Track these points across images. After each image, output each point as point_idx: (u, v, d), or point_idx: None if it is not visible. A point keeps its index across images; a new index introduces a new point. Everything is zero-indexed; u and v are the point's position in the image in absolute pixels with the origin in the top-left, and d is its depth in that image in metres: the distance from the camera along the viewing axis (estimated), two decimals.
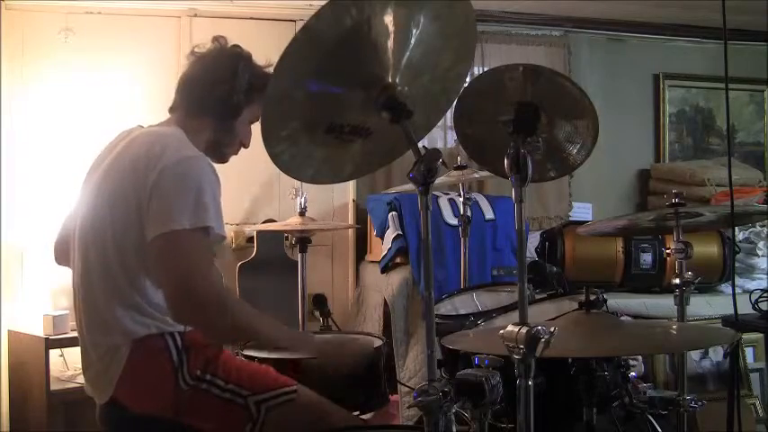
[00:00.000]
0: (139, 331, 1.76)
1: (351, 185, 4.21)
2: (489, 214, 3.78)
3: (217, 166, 1.83)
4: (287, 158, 1.54)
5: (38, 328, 3.35)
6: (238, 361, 1.91)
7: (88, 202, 1.86)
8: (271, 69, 1.93)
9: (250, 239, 4.04)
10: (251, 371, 1.86)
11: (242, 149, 2.04)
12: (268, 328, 1.83)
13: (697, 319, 3.47)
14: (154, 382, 1.76)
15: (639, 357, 3.32)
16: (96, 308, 1.80)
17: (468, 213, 3.19)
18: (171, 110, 1.98)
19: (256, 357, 2.07)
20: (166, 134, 1.85)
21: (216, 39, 1.98)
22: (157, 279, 1.73)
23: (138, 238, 1.74)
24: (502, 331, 1.31)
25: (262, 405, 1.80)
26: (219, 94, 1.91)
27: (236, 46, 1.98)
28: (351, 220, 4.20)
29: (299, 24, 3.41)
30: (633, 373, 1.83)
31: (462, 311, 2.64)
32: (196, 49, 1.98)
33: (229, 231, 4.02)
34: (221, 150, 1.98)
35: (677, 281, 2.18)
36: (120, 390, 1.76)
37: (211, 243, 1.75)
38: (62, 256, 2.03)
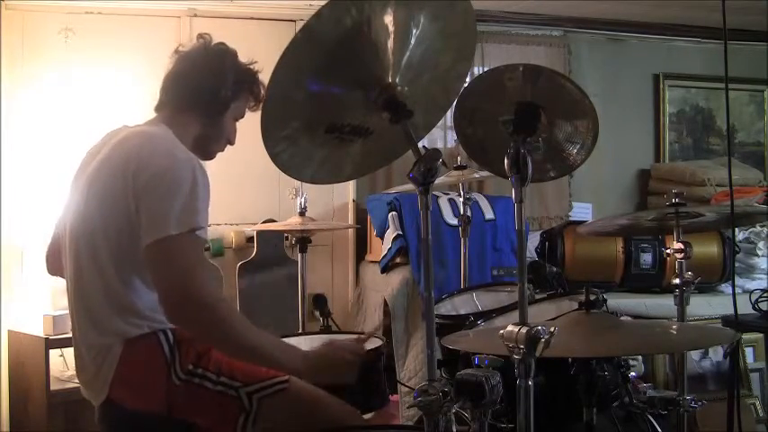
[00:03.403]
0: (132, 331, 1.76)
1: (351, 185, 4.20)
2: (489, 214, 3.78)
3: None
4: (287, 158, 1.54)
5: (38, 328, 3.35)
6: None
7: (78, 204, 1.85)
8: (255, 67, 1.95)
9: (250, 239, 4.04)
10: (242, 363, 1.85)
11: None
12: (264, 338, 1.76)
13: (697, 319, 3.48)
14: (147, 380, 1.76)
15: (639, 357, 3.33)
16: (89, 309, 1.80)
17: (468, 213, 3.19)
18: (157, 108, 1.97)
19: None
20: (155, 135, 1.84)
21: (201, 36, 1.97)
22: (153, 283, 1.72)
23: (128, 241, 1.73)
24: (502, 331, 1.31)
25: (254, 396, 1.79)
26: (208, 89, 1.91)
27: (221, 43, 1.98)
28: (351, 220, 4.19)
29: (299, 24, 3.41)
30: (633, 373, 1.84)
31: (462, 311, 2.64)
32: (180, 48, 1.97)
33: (229, 231, 4.02)
34: (208, 146, 1.98)
35: (677, 281, 2.18)
36: (115, 389, 1.76)
37: (202, 245, 1.74)
38: (54, 266, 2.01)
